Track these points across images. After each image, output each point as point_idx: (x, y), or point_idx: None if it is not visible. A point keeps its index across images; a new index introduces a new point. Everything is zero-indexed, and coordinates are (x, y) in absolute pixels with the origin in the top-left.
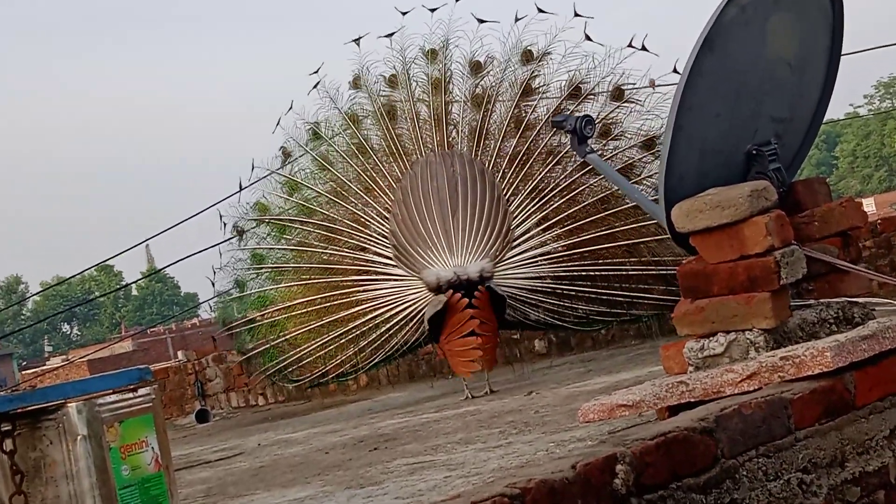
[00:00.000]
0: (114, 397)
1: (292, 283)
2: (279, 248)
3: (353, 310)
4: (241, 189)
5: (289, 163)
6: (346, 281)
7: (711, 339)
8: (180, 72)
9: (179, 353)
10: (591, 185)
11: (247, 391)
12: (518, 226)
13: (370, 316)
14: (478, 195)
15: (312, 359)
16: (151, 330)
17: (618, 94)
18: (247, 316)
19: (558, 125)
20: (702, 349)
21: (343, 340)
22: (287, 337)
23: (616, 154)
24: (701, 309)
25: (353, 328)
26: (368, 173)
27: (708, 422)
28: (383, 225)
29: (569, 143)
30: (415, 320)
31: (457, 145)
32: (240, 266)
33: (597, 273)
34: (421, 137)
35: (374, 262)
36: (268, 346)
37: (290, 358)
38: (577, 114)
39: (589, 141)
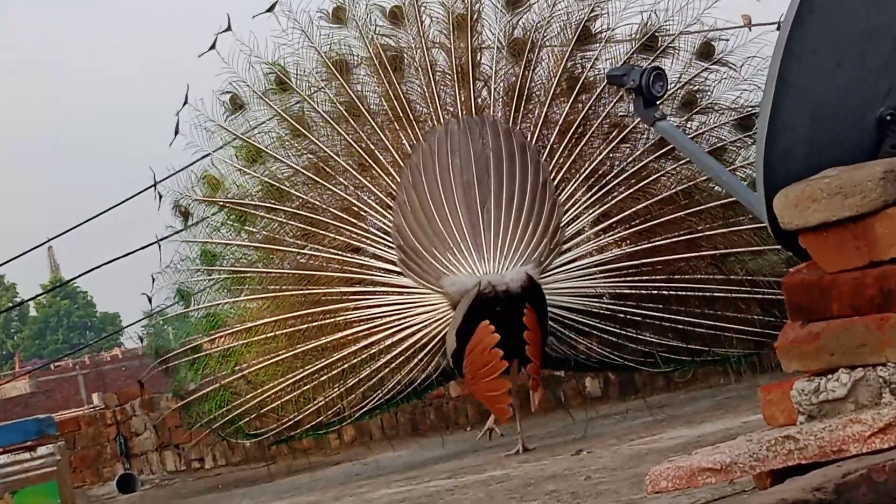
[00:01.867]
0: (4, 459)
1: (255, 296)
2: (238, 245)
3: (340, 335)
4: (175, 134)
5: (237, 117)
6: (331, 294)
7: (830, 377)
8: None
9: (95, 397)
10: (668, 171)
11: (187, 450)
12: (569, 223)
13: (363, 343)
14: (517, 178)
15: (279, 403)
16: (56, 364)
17: (706, 52)
18: (189, 343)
19: (616, 80)
20: (816, 391)
21: (324, 377)
22: (245, 373)
23: (702, 132)
24: (815, 336)
25: (338, 360)
26: (364, 145)
27: (826, 492)
28: (385, 217)
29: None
30: (427, 349)
31: (488, 109)
32: (184, 268)
33: (671, 293)
34: (438, 97)
35: (370, 267)
36: (217, 386)
37: (247, 403)
38: (641, 66)
39: (659, 103)
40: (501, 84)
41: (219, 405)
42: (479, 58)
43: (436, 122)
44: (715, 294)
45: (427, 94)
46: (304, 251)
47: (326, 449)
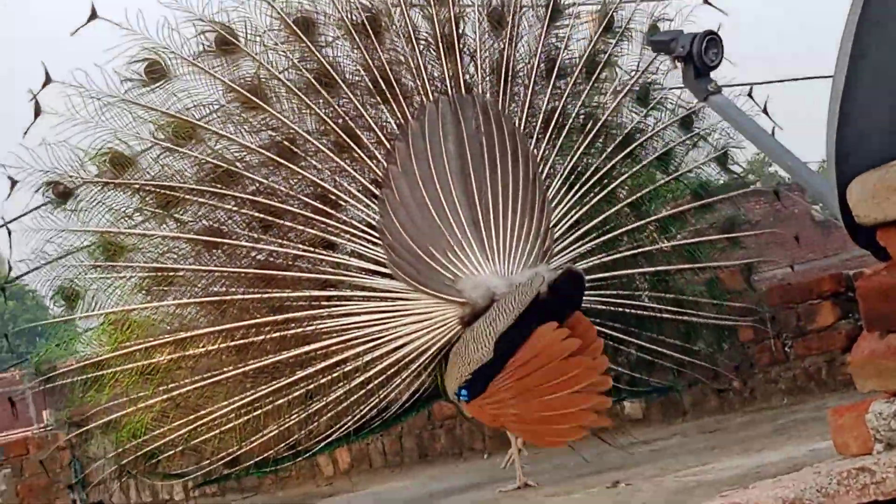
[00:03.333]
0: None
1: (190, 300)
2: (164, 236)
3: (307, 348)
4: (36, 115)
5: (156, 89)
6: (298, 298)
7: None
8: None
9: (46, 415)
10: (629, 175)
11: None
12: (555, 225)
13: (337, 359)
14: (510, 170)
15: (217, 433)
16: (1, 376)
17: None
18: (90, 358)
19: (661, 47)
20: None
21: (280, 401)
22: (173, 394)
23: (656, 133)
24: None
25: (302, 380)
26: (341, 121)
27: None
28: (368, 207)
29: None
30: (417, 364)
31: (476, 87)
32: (70, 263)
33: (632, 311)
34: (424, 68)
35: (348, 266)
36: (133, 410)
37: (172, 432)
38: (691, 32)
39: (713, 74)
40: (486, 60)
41: (132, 435)
42: (462, 28)
43: (424, 99)
44: (663, 316)
45: (412, 65)
46: (261, 245)
47: (318, 477)
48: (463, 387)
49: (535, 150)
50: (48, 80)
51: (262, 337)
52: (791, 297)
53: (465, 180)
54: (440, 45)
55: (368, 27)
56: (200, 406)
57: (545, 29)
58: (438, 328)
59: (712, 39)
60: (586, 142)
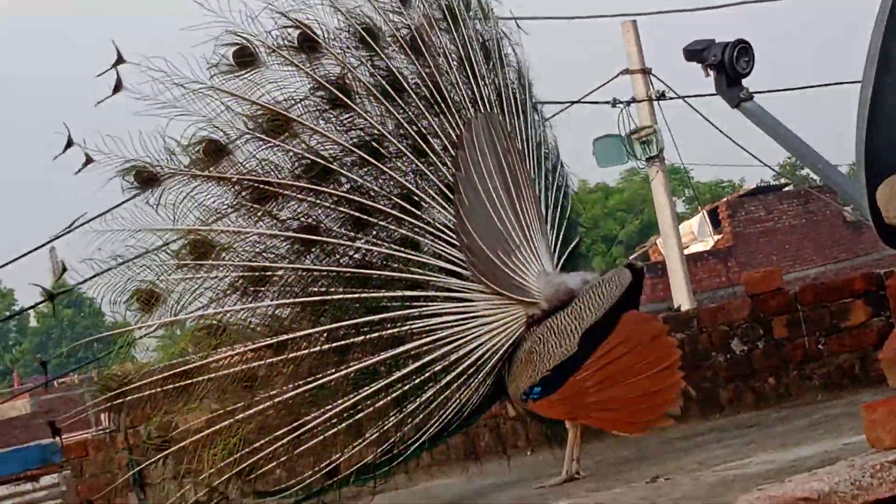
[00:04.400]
0: (4, 491)
1: (288, 301)
2: (261, 234)
3: (402, 349)
4: (116, 90)
5: (242, 77)
6: (393, 299)
7: None
8: None
9: (104, 418)
10: None
11: (210, 477)
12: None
13: (427, 359)
14: (528, 183)
15: (318, 441)
16: (60, 381)
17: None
18: (178, 365)
19: (695, 56)
20: None
21: (381, 403)
22: (277, 400)
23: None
24: None
25: (397, 381)
26: (415, 127)
27: None
28: (445, 210)
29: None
30: (492, 364)
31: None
32: (148, 264)
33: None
34: (461, 85)
35: (431, 267)
36: (231, 422)
37: (273, 443)
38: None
39: (745, 81)
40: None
41: (228, 452)
42: (477, 49)
43: (470, 111)
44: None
45: (452, 81)
46: (357, 244)
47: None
48: (536, 385)
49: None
50: (120, 60)
51: (361, 338)
52: (824, 296)
53: (508, 190)
54: (464, 65)
55: (414, 44)
56: (304, 413)
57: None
58: (509, 328)
59: (744, 48)
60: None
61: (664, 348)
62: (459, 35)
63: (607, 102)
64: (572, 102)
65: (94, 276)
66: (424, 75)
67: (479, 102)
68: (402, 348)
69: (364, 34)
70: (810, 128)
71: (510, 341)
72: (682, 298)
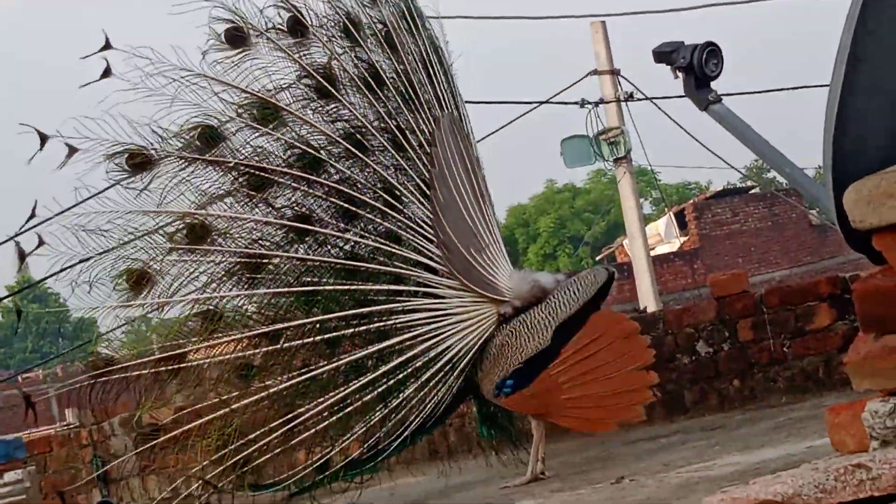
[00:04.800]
0: None
1: (283, 289)
2: (257, 220)
3: (386, 343)
4: (106, 75)
5: (232, 60)
6: (379, 292)
7: None
8: None
9: (69, 413)
10: None
11: (173, 474)
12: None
13: (409, 355)
14: (482, 183)
15: (310, 435)
16: (25, 376)
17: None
18: (169, 350)
19: (664, 58)
20: (892, 413)
21: (368, 398)
22: (271, 391)
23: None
24: (892, 350)
25: (382, 376)
26: (394, 121)
27: None
28: (423, 206)
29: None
30: (466, 361)
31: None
32: (143, 246)
33: None
34: (424, 82)
35: (412, 262)
36: (226, 412)
37: (264, 437)
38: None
39: (713, 84)
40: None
41: (224, 443)
42: (431, 53)
43: (440, 110)
44: None
45: (420, 79)
46: (347, 235)
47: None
48: (509, 378)
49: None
50: (107, 45)
51: (351, 330)
52: (789, 299)
53: (473, 190)
54: (426, 66)
55: (389, 39)
56: (297, 405)
57: None
58: (481, 326)
59: (712, 51)
60: None
61: (638, 347)
62: (419, 37)
63: (575, 103)
64: (540, 103)
65: (62, 272)
66: (399, 71)
67: (442, 103)
68: (386, 343)
69: (348, 23)
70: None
71: (482, 339)
72: (648, 300)
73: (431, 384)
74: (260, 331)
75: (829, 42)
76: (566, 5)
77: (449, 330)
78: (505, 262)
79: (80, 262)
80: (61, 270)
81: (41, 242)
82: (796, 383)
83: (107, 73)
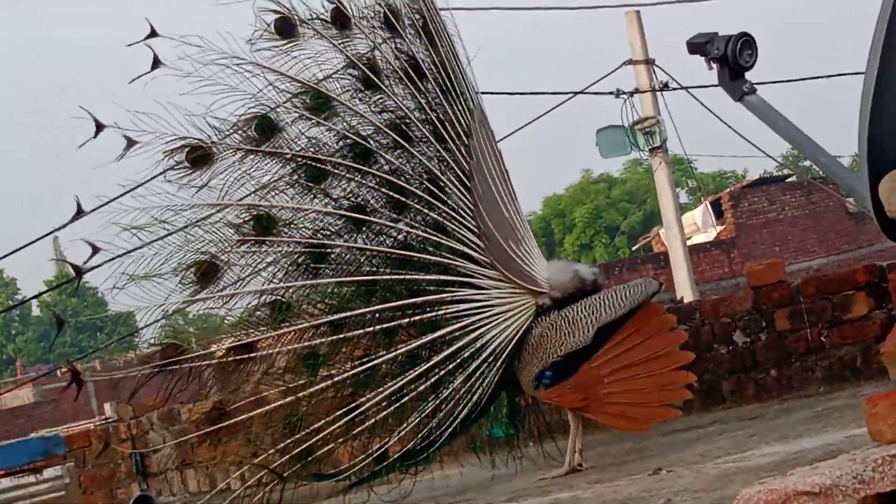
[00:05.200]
0: (6, 483)
1: (345, 278)
2: (318, 211)
3: (437, 334)
4: (155, 65)
5: (280, 52)
6: (430, 282)
7: None
8: None
9: (107, 407)
10: None
11: (211, 468)
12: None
13: (458, 346)
14: (506, 172)
15: (369, 425)
16: (63, 371)
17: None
18: (241, 339)
19: (698, 49)
20: None
21: (422, 387)
22: (335, 380)
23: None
24: None
25: (434, 367)
26: (435, 113)
27: None
28: (465, 197)
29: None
30: (507, 353)
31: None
32: (210, 238)
33: None
34: (459, 74)
35: (457, 253)
36: (291, 399)
37: (328, 426)
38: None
39: (748, 75)
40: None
41: (290, 430)
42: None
43: (472, 103)
44: None
45: (455, 70)
46: (399, 226)
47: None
48: (548, 369)
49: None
50: (153, 33)
51: (407, 320)
52: (826, 288)
53: (505, 183)
54: (457, 58)
55: (426, 29)
56: (358, 395)
57: None
58: (522, 316)
59: (746, 41)
60: None
61: (679, 341)
62: (448, 28)
63: (611, 93)
64: (575, 93)
65: (99, 266)
66: (437, 62)
67: (471, 95)
68: (438, 333)
69: (388, 14)
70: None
71: (522, 329)
72: (684, 290)
73: (477, 374)
74: (325, 320)
75: (868, 23)
76: None
77: (492, 321)
78: (539, 254)
79: (144, 249)
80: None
81: (95, 250)
82: (834, 372)
83: (156, 63)
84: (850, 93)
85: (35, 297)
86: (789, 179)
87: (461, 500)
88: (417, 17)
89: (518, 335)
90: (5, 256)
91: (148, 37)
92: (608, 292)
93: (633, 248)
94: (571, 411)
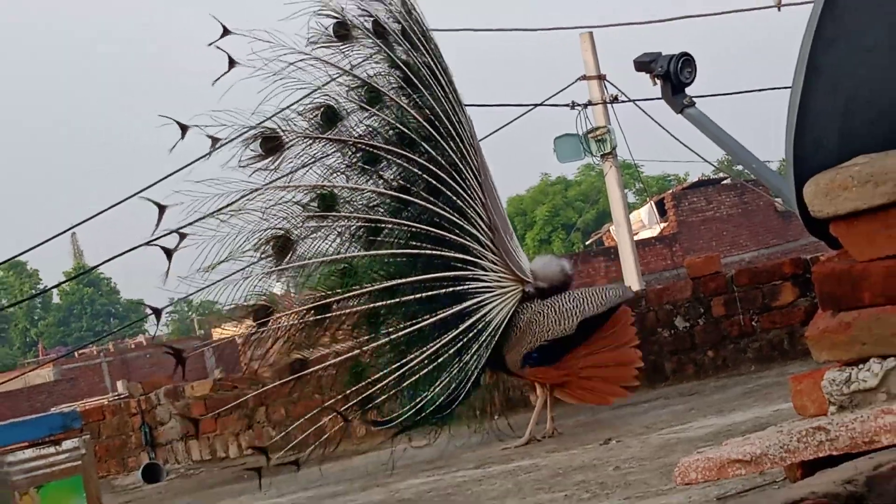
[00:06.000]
0: (29, 453)
1: (397, 251)
2: (373, 191)
3: (462, 306)
4: (231, 65)
5: (337, 51)
6: (457, 259)
7: (862, 367)
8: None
9: (119, 385)
10: None
11: (212, 438)
12: None
13: (475, 318)
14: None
15: (415, 379)
16: (80, 352)
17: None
18: (316, 300)
19: (644, 67)
20: (848, 381)
21: (452, 350)
22: (392, 337)
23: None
24: (847, 325)
25: (461, 333)
26: (454, 115)
27: (857, 485)
28: (478, 190)
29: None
30: (498, 332)
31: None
32: (286, 214)
33: None
34: (454, 82)
35: (472, 237)
36: (358, 352)
37: (387, 377)
38: (668, 54)
39: (687, 89)
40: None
41: (356, 378)
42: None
43: (467, 110)
44: None
45: (452, 78)
46: (436, 208)
47: (354, 438)
48: (535, 351)
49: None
50: (226, 32)
51: (444, 290)
52: (757, 279)
53: (493, 183)
54: (446, 69)
55: (429, 41)
56: (407, 352)
57: None
58: (513, 300)
59: (686, 60)
60: None
61: (627, 326)
62: (433, 44)
63: (567, 105)
64: (535, 105)
65: (113, 259)
66: (444, 69)
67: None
68: (463, 304)
69: (406, 28)
70: (748, 125)
71: (510, 312)
72: (632, 280)
73: (483, 347)
74: (383, 285)
75: (793, 48)
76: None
77: (495, 300)
78: (522, 249)
79: (226, 230)
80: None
81: (183, 236)
82: (763, 354)
83: (232, 63)
84: (781, 104)
85: (55, 286)
86: (724, 182)
87: (433, 467)
88: (419, 29)
89: (507, 316)
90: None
91: (222, 36)
92: (592, 289)
93: (587, 243)
94: (543, 389)
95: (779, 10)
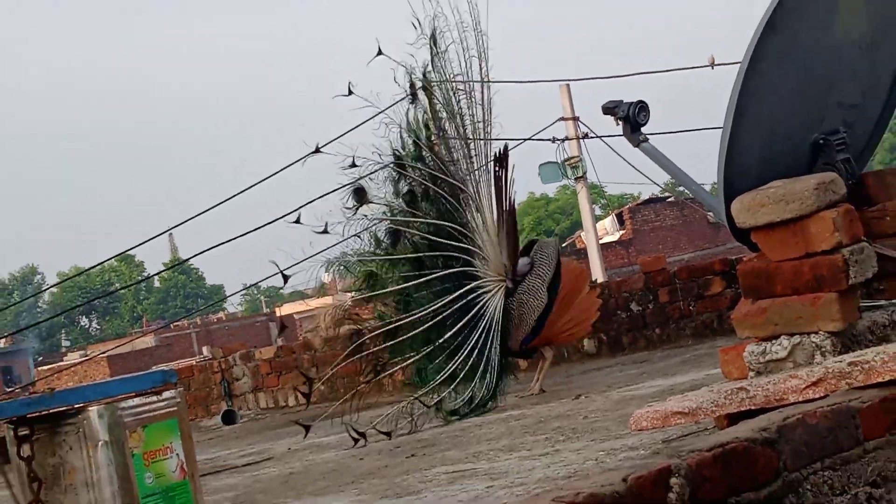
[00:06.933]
0: (137, 401)
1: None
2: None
3: (476, 295)
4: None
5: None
6: (466, 262)
7: (774, 342)
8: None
9: (204, 349)
10: None
11: (275, 391)
12: None
13: (484, 300)
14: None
15: (439, 362)
16: (175, 324)
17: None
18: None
19: (610, 111)
20: (763, 353)
21: (473, 336)
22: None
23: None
24: (763, 310)
25: (480, 309)
26: (470, 141)
27: (770, 432)
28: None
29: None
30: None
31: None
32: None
33: None
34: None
35: (482, 240)
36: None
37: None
38: (629, 101)
39: (643, 128)
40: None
41: (420, 381)
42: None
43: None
44: None
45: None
46: (465, 220)
47: (384, 391)
48: (529, 335)
49: None
50: (379, 52)
51: (467, 283)
52: (694, 274)
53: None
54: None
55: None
56: (433, 337)
57: None
58: (501, 295)
59: (643, 106)
60: None
61: (585, 285)
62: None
63: (549, 140)
64: (524, 139)
65: (201, 253)
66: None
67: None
68: (480, 291)
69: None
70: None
71: (501, 304)
72: (598, 274)
73: (493, 334)
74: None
75: (724, 97)
76: (541, 70)
77: (488, 295)
78: (503, 250)
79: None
80: (200, 253)
81: (325, 230)
82: (698, 331)
83: (350, 92)
84: (714, 140)
85: (156, 274)
86: (669, 200)
87: (434, 418)
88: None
89: (500, 308)
90: (137, 246)
91: (377, 55)
92: (539, 260)
93: (563, 245)
94: (543, 349)
95: (712, 68)
